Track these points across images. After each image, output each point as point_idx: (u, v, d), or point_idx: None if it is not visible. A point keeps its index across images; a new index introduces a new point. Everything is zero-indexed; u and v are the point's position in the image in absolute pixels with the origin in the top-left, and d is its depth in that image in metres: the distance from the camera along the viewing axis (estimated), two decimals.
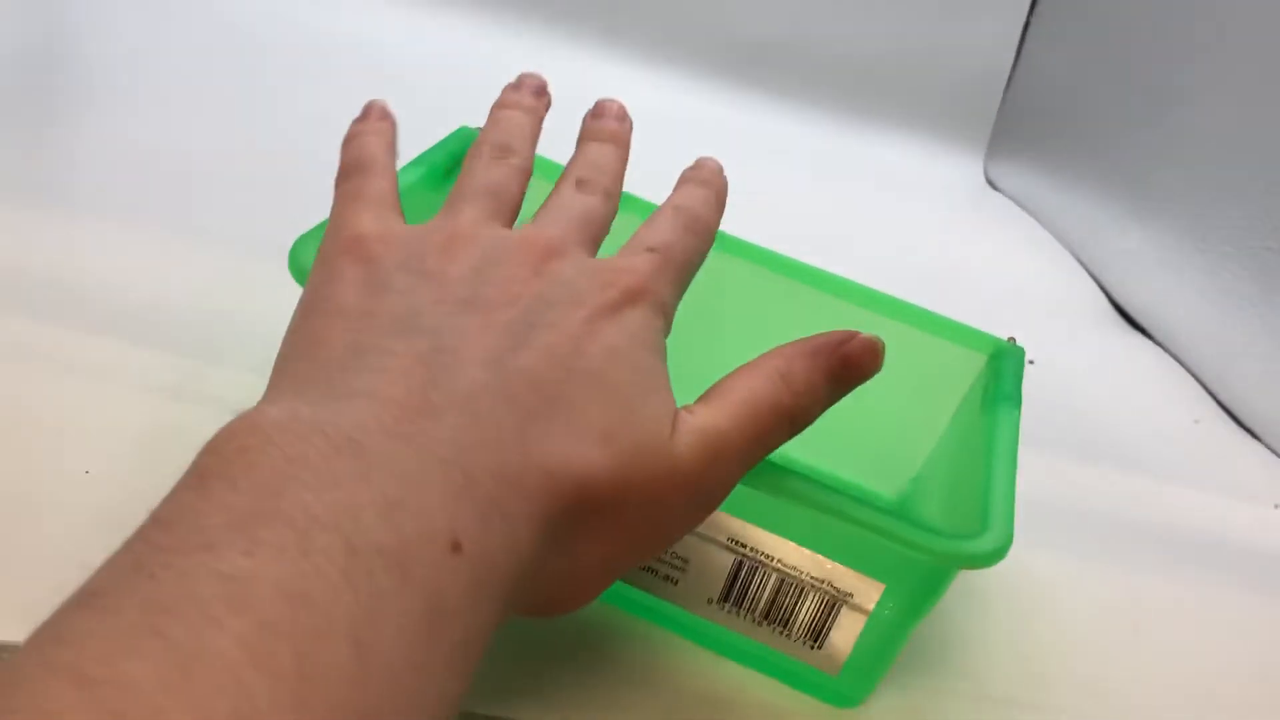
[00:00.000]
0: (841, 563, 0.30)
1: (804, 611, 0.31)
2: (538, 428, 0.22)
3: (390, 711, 0.17)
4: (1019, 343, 0.39)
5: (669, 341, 0.27)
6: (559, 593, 0.24)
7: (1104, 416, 0.56)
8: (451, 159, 0.37)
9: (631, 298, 0.26)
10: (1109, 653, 0.38)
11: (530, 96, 0.33)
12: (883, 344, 0.28)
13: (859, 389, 0.36)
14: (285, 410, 0.20)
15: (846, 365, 0.27)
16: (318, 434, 0.20)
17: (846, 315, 0.39)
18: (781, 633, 0.32)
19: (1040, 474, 0.47)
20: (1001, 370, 0.37)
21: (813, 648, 0.32)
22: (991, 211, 0.79)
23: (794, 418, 0.27)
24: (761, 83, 0.81)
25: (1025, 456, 0.49)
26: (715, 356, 0.39)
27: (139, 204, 0.44)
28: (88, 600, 0.17)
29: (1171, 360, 0.63)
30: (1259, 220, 0.58)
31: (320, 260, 0.27)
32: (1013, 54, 0.82)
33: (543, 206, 0.29)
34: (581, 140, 0.32)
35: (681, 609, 0.32)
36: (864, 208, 0.74)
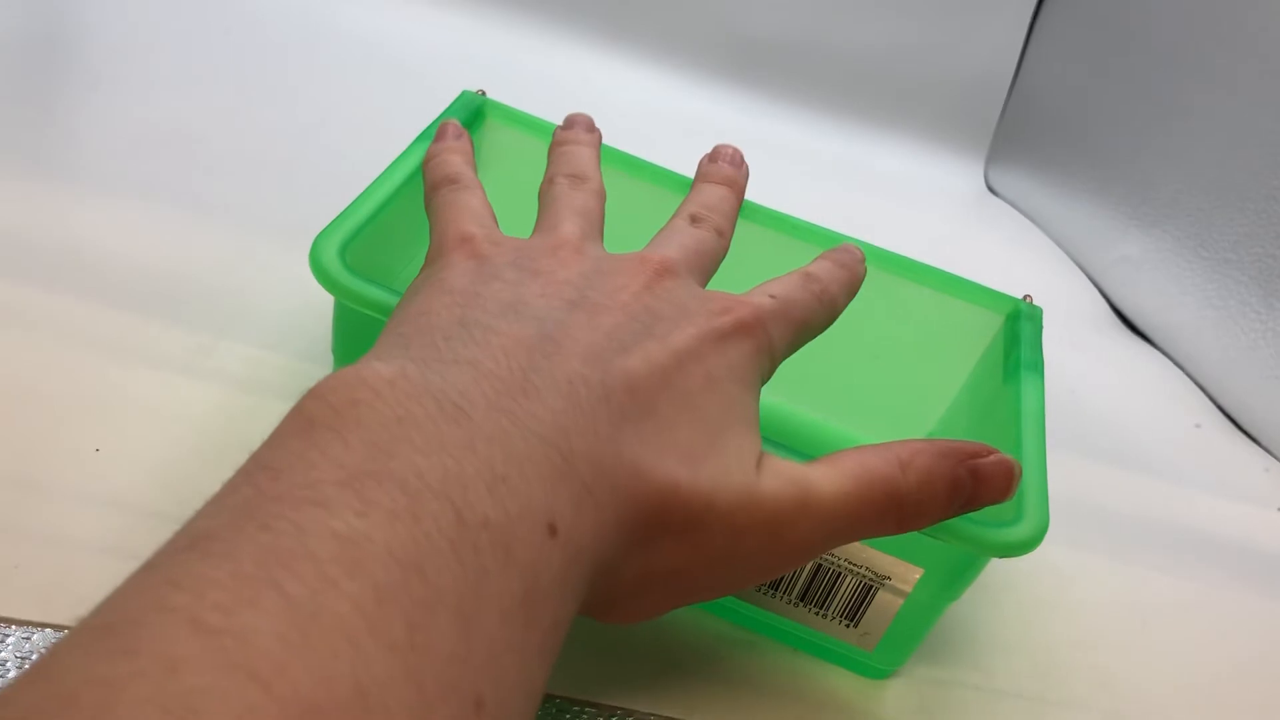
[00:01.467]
0: (879, 549, 0.30)
1: (841, 593, 0.31)
2: (630, 428, 0.22)
3: (491, 693, 0.17)
4: (1035, 302, 0.38)
5: None
6: (622, 598, 0.24)
7: (1106, 421, 0.56)
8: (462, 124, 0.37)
9: (742, 330, 0.26)
10: (1119, 647, 0.38)
11: (584, 132, 0.34)
12: (1020, 470, 0.26)
13: (873, 343, 0.37)
14: (394, 368, 0.20)
15: (975, 478, 0.26)
16: (427, 396, 0.20)
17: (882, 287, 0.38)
18: (818, 613, 0.32)
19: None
20: (1020, 334, 0.37)
21: (848, 626, 0.32)
22: (992, 217, 0.79)
23: (902, 508, 0.25)
24: (762, 85, 0.81)
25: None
26: None
27: (148, 181, 0.44)
28: (200, 544, 0.16)
29: (1173, 365, 0.63)
30: (1260, 226, 0.58)
31: (430, 256, 0.27)
32: (1015, 60, 0.83)
33: (656, 235, 0.29)
34: (698, 181, 0.33)
35: None
36: (864, 212, 0.74)
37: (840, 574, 0.31)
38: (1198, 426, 0.58)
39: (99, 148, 0.46)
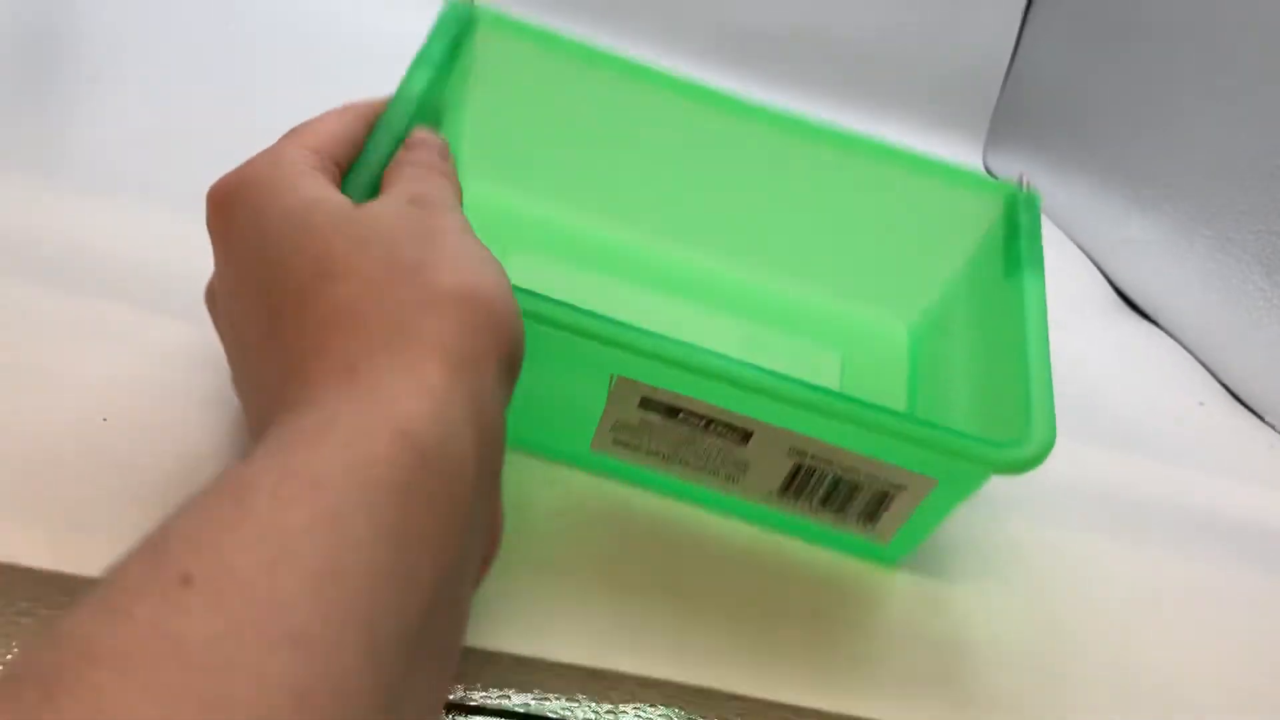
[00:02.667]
0: (897, 464, 0.31)
1: (858, 501, 0.33)
2: None
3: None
4: (1032, 187, 0.38)
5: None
6: None
7: (1110, 401, 0.56)
8: (452, 48, 0.36)
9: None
10: (1129, 628, 0.38)
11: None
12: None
13: (870, 225, 0.40)
14: None
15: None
16: None
17: (852, 167, 0.39)
18: (837, 515, 0.33)
19: (1051, 458, 0.47)
20: (1019, 224, 0.37)
21: (866, 526, 0.34)
22: None
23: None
24: (757, 73, 0.81)
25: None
26: (733, 217, 0.41)
27: (148, 177, 0.43)
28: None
29: (1176, 345, 0.63)
30: (1261, 204, 0.58)
31: None
32: (1012, 42, 0.83)
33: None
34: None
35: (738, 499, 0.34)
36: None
37: (859, 485, 0.32)
38: (1201, 404, 0.58)
39: (97, 145, 0.45)
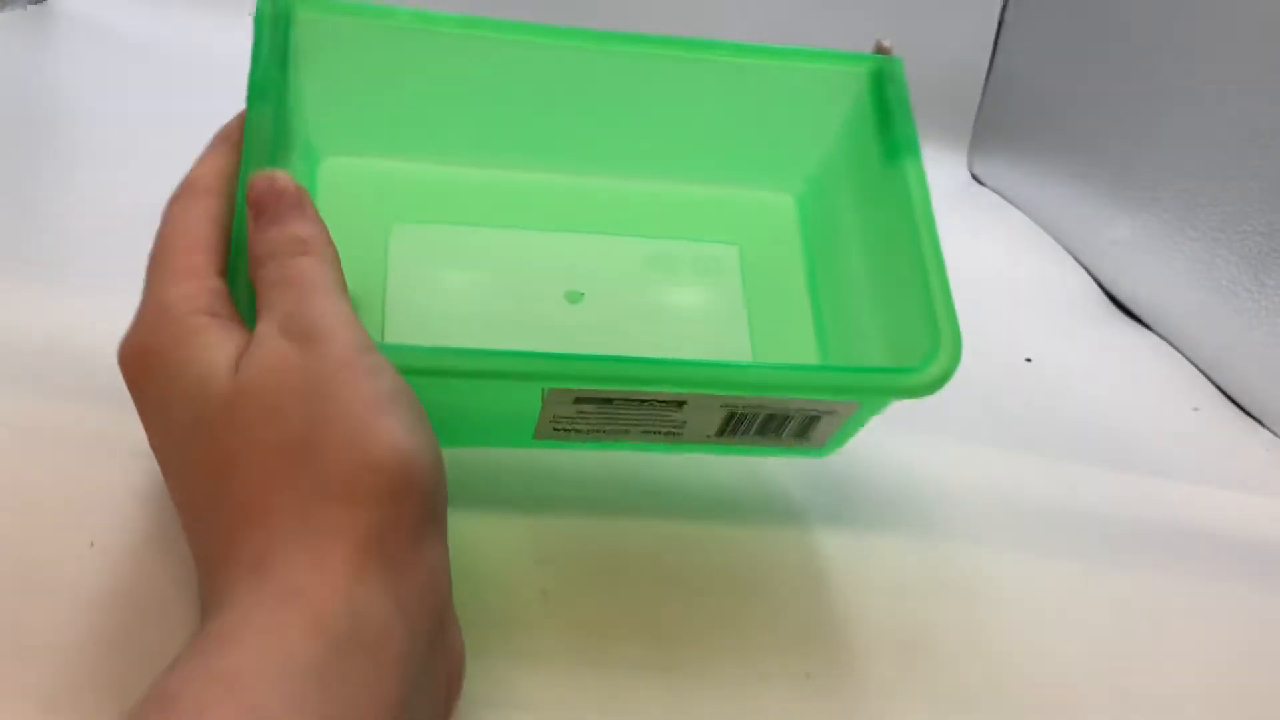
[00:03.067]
0: (818, 398, 0.33)
1: (790, 427, 0.35)
2: None
3: None
4: (891, 48, 0.39)
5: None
6: None
7: (1104, 409, 0.56)
8: (280, 50, 0.35)
9: None
10: (1130, 653, 0.38)
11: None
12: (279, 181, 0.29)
13: (737, 109, 0.40)
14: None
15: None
16: None
17: (708, 70, 0.39)
18: (773, 441, 0.35)
19: (1046, 478, 0.47)
20: (887, 103, 0.38)
21: (799, 441, 0.36)
22: (978, 207, 0.79)
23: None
24: None
25: (1029, 461, 0.49)
26: (602, 137, 0.41)
27: (130, 267, 0.43)
28: None
29: (1169, 348, 0.63)
30: (1245, 205, 0.58)
31: None
32: (989, 47, 0.82)
33: None
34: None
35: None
36: None
37: (789, 416, 0.34)
38: (1196, 409, 0.58)
39: (77, 235, 0.46)
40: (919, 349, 0.33)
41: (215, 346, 0.25)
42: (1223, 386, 0.59)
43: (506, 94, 0.39)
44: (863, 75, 0.39)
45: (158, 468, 0.33)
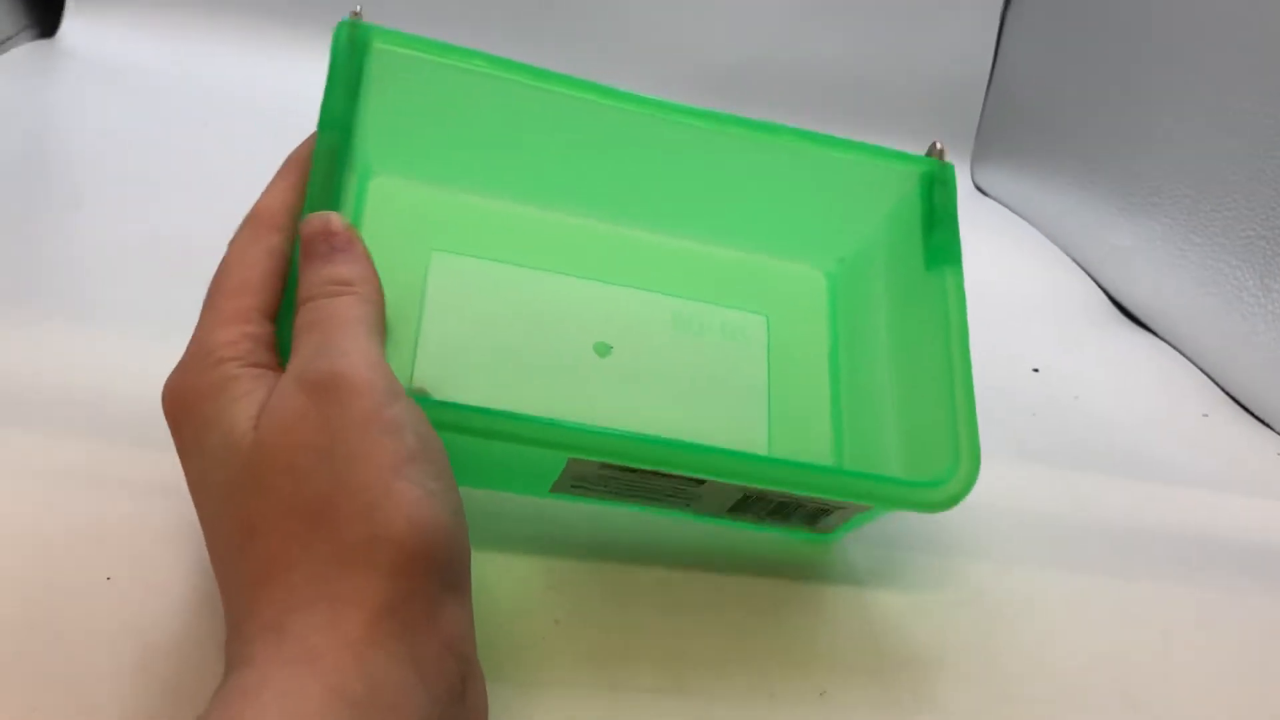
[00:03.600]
0: (831, 498, 0.33)
1: (801, 514, 0.36)
2: None
3: None
4: (944, 151, 0.39)
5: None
6: None
7: (1113, 417, 0.56)
8: (353, 84, 0.35)
9: None
10: (1140, 661, 0.37)
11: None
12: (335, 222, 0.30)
13: (785, 186, 0.41)
14: None
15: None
16: None
17: (765, 148, 0.40)
18: (783, 523, 0.37)
19: (1057, 489, 0.47)
20: (934, 207, 0.38)
21: (809, 528, 0.37)
22: (982, 217, 0.79)
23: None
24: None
25: (1037, 472, 0.49)
26: (646, 196, 0.42)
27: (142, 304, 0.44)
28: None
29: (1175, 354, 0.63)
30: (1247, 209, 0.58)
31: None
32: (990, 57, 0.83)
33: None
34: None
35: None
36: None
37: (801, 504, 0.34)
38: (1205, 415, 0.57)
39: (91, 270, 0.46)
40: (936, 462, 0.33)
41: (243, 398, 0.25)
42: (1231, 391, 0.59)
43: (565, 143, 0.40)
44: (914, 175, 0.39)
45: (173, 506, 0.34)
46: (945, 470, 0.32)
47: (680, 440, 0.31)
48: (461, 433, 0.29)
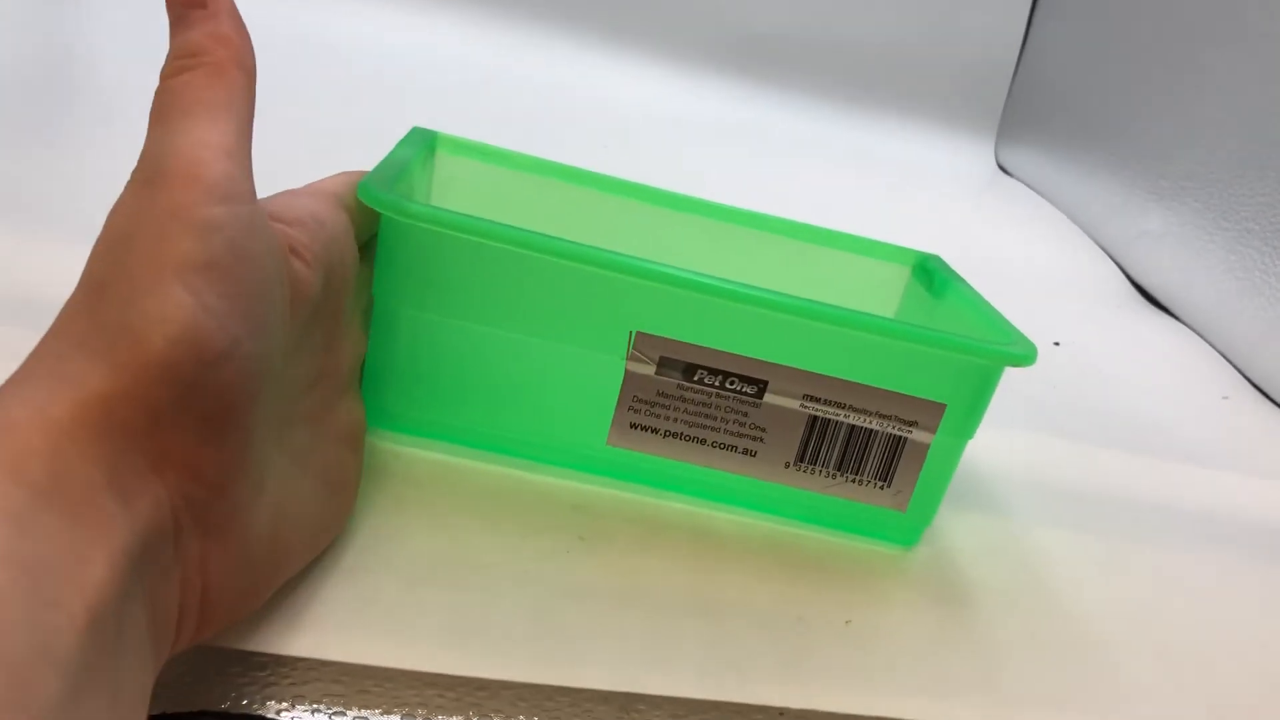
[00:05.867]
0: (904, 391, 0.33)
1: (873, 454, 0.34)
2: None
3: None
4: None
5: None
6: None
7: (1133, 399, 0.55)
8: (416, 156, 0.37)
9: None
10: (1170, 618, 0.37)
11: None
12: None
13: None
14: None
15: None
16: None
17: (773, 248, 0.42)
18: (854, 479, 0.35)
19: (1075, 464, 0.46)
20: (932, 269, 0.41)
21: (882, 488, 0.35)
22: (1006, 197, 0.79)
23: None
24: (766, 80, 0.81)
25: (1058, 446, 0.49)
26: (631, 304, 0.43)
27: None
28: None
29: (1197, 338, 0.62)
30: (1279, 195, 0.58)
31: None
32: (1020, 36, 0.82)
33: None
34: None
35: (754, 481, 0.35)
36: (877, 199, 0.73)
37: (872, 432, 0.34)
38: (1225, 398, 0.57)
39: (114, 187, 0.45)
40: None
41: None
42: (1252, 377, 0.59)
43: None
44: (908, 269, 0.43)
45: None
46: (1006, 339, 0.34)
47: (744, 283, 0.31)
48: (501, 242, 0.30)
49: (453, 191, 0.41)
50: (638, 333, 0.32)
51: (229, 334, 0.22)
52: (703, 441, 0.34)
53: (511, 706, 0.26)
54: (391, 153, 0.36)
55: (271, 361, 0.24)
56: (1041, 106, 0.81)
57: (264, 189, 0.26)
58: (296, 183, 0.31)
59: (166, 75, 0.24)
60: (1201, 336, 0.62)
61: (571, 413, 0.34)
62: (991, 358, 0.33)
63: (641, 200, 0.42)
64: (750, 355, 0.32)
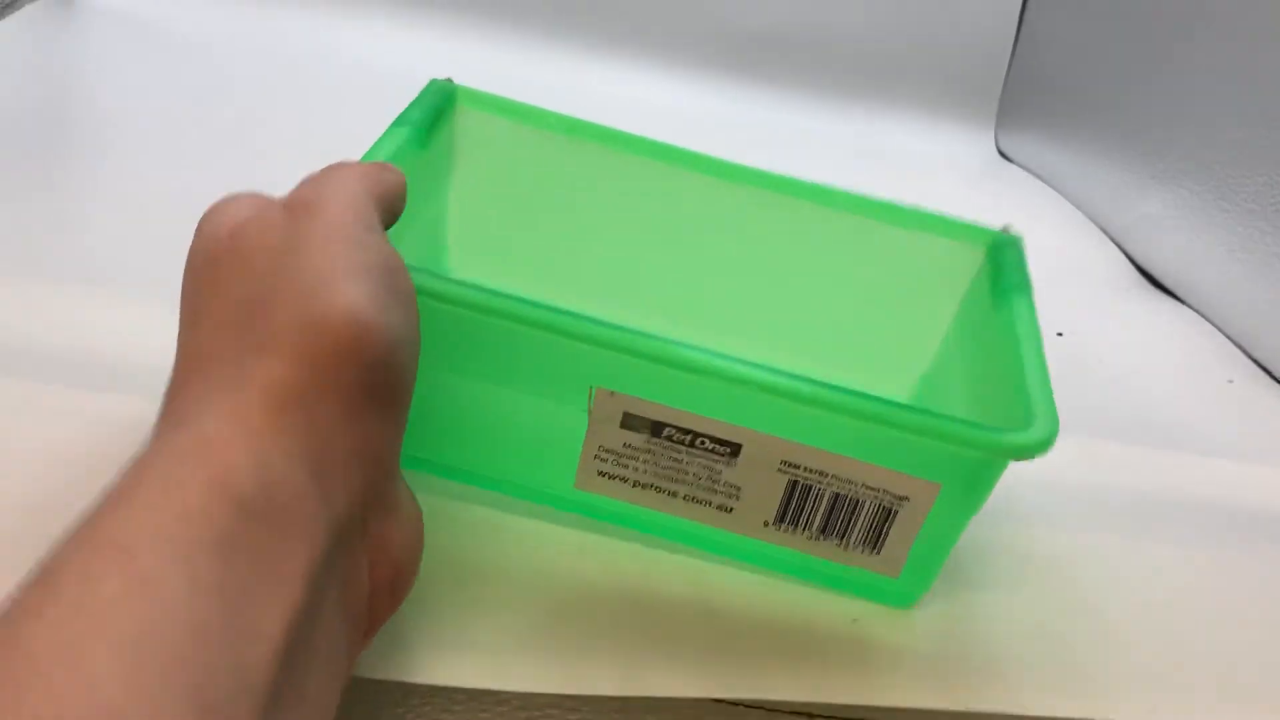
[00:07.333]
0: (894, 468, 0.30)
1: (860, 521, 0.31)
2: None
3: None
4: (1014, 231, 0.39)
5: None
6: None
7: (1137, 383, 0.55)
8: (432, 115, 0.36)
9: None
10: (1185, 610, 0.37)
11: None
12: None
13: (857, 290, 0.39)
14: None
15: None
16: None
17: (833, 222, 0.39)
18: (839, 544, 0.32)
19: (1078, 455, 0.46)
20: (1003, 262, 0.37)
21: (872, 554, 0.32)
22: (1007, 183, 0.79)
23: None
24: (761, 76, 0.80)
25: (1061, 439, 0.49)
26: (723, 291, 0.41)
27: (160, 267, 0.43)
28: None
29: (1201, 321, 0.62)
30: None
31: None
32: (1015, 21, 0.82)
33: None
34: None
35: (734, 534, 0.32)
36: (879, 190, 0.73)
37: (859, 501, 0.30)
38: (1230, 381, 0.57)
39: (109, 232, 0.46)
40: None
41: (237, 211, 0.25)
42: (1257, 359, 0.58)
43: (636, 221, 0.40)
44: (983, 251, 0.39)
45: None
46: (1021, 420, 0.29)
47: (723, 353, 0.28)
48: (459, 306, 0.28)
49: (477, 157, 0.39)
50: (599, 389, 0.30)
51: (397, 321, 0.23)
52: (674, 494, 0.32)
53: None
54: (402, 114, 0.35)
55: (417, 353, 0.25)
56: (1040, 91, 0.80)
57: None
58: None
59: (331, 168, 0.27)
60: (1205, 318, 0.62)
61: (539, 457, 0.33)
62: (989, 449, 0.28)
63: (681, 166, 0.39)
64: (722, 419, 0.30)
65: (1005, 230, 0.39)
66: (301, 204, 0.24)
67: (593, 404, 0.30)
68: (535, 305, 0.28)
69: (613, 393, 0.30)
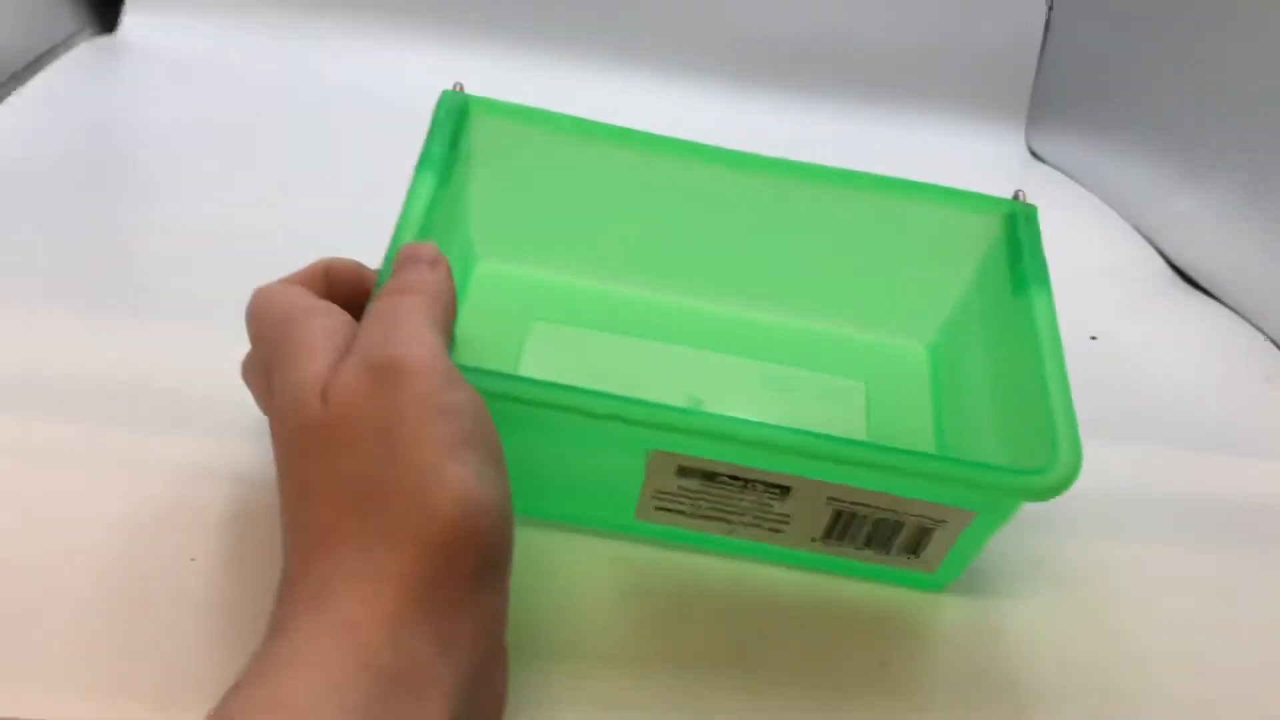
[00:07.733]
0: (933, 501, 0.32)
1: (900, 539, 0.34)
2: None
3: None
4: (1026, 199, 0.40)
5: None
6: None
7: (1172, 383, 0.55)
8: (451, 141, 0.37)
9: None
10: (1207, 630, 0.37)
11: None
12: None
13: (874, 250, 0.41)
14: None
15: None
16: None
17: (846, 200, 0.41)
18: (881, 553, 0.35)
19: (1114, 460, 0.47)
20: (1021, 240, 0.39)
21: (910, 558, 0.35)
22: (1039, 183, 0.78)
23: None
24: (786, 83, 0.80)
25: (1099, 444, 0.48)
26: (741, 262, 0.43)
27: (209, 300, 0.44)
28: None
29: (1237, 319, 0.62)
30: None
31: None
32: (1043, 19, 0.81)
33: None
34: None
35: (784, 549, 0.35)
36: None
37: (900, 523, 0.33)
38: (1267, 379, 0.57)
39: (158, 267, 0.47)
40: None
41: (317, 354, 0.27)
42: None
43: (655, 208, 0.42)
44: (999, 219, 0.40)
45: (248, 493, 0.35)
46: (1046, 455, 0.31)
47: (765, 423, 0.30)
48: (530, 405, 0.30)
49: (494, 167, 0.41)
50: (655, 451, 0.32)
51: (500, 492, 0.26)
52: (729, 523, 0.34)
53: None
54: (424, 151, 0.36)
55: (511, 510, 0.27)
56: (1071, 89, 0.80)
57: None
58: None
59: (388, 293, 0.29)
60: (1241, 316, 0.62)
61: (600, 497, 0.35)
62: (1016, 492, 0.31)
63: (698, 159, 0.41)
64: (771, 470, 0.32)
65: (1017, 197, 0.40)
66: (384, 369, 0.26)
67: (648, 463, 0.32)
68: (596, 395, 0.30)
69: (667, 453, 0.32)
